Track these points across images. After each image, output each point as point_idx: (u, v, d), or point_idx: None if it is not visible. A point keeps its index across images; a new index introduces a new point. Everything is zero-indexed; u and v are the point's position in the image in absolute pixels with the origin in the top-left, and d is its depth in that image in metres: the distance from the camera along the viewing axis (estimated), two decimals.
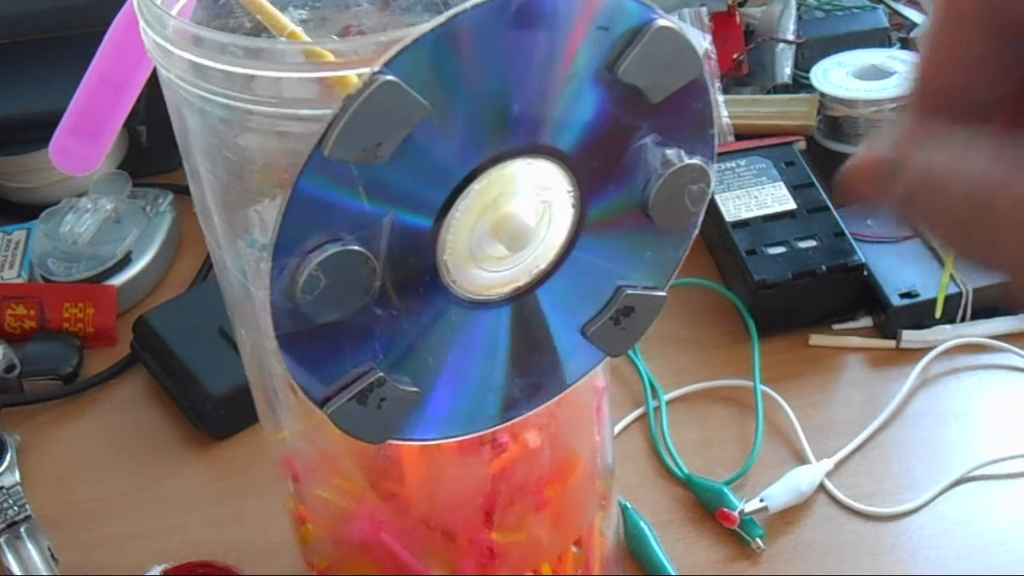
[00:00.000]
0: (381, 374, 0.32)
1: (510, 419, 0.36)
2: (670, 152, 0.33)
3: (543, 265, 0.34)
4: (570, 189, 0.33)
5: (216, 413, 0.66)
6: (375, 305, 0.31)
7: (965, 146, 0.24)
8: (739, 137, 0.79)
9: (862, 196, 0.26)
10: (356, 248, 0.29)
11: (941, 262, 0.69)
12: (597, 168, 0.33)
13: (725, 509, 0.59)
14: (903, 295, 0.68)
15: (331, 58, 0.31)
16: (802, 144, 0.78)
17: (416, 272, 0.31)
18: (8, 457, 0.65)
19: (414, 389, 0.32)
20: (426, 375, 0.33)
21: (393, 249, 0.30)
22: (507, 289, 0.33)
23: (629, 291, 0.35)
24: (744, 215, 0.71)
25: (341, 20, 0.43)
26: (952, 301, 0.68)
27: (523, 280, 0.34)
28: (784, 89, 0.86)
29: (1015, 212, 0.23)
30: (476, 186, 0.31)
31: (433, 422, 0.34)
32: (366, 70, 0.27)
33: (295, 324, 0.30)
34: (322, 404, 0.32)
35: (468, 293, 0.33)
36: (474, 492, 0.43)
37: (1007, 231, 0.23)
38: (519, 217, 0.32)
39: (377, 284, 0.30)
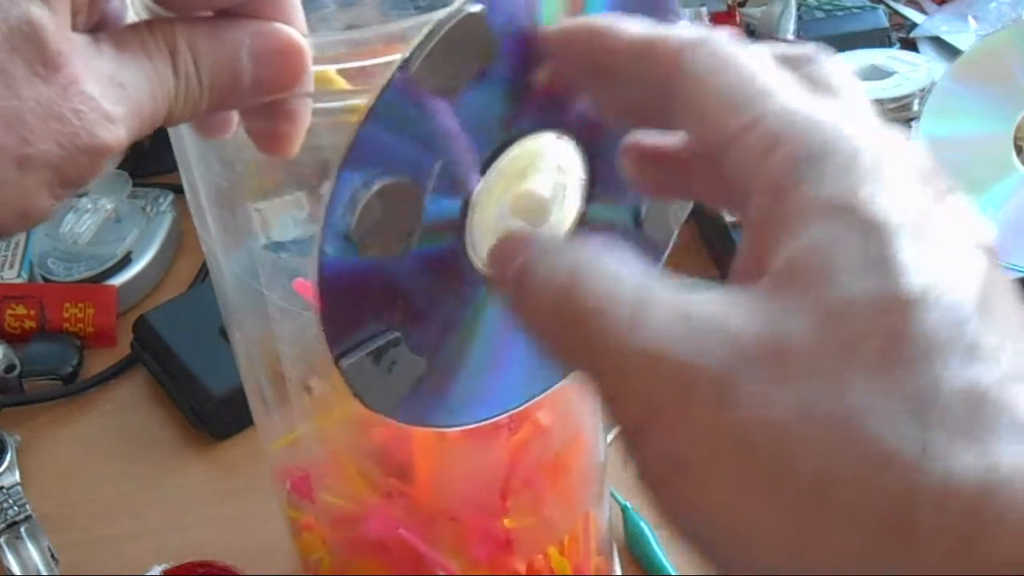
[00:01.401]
0: (398, 335, 0.32)
1: (528, 401, 0.36)
2: None
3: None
4: (583, 177, 0.33)
5: (216, 413, 0.66)
6: (406, 266, 0.31)
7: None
8: None
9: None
10: (412, 182, 0.29)
11: None
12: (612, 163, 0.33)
13: None
14: None
15: (343, 84, 0.31)
16: None
17: (446, 239, 0.31)
18: (8, 457, 0.65)
19: (422, 359, 0.33)
20: (441, 351, 0.33)
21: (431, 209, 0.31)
22: None
23: None
24: None
25: (343, 19, 0.43)
26: None
27: None
28: None
29: None
30: (513, 152, 0.31)
31: (451, 405, 0.35)
32: (379, 60, 0.27)
33: (339, 251, 0.29)
34: (339, 357, 0.32)
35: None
36: (490, 477, 0.43)
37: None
38: (540, 193, 0.32)
39: (418, 231, 0.30)
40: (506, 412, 0.36)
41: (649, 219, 0.35)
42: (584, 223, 0.34)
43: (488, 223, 0.32)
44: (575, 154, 0.33)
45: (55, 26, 0.25)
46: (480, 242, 0.32)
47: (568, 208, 0.34)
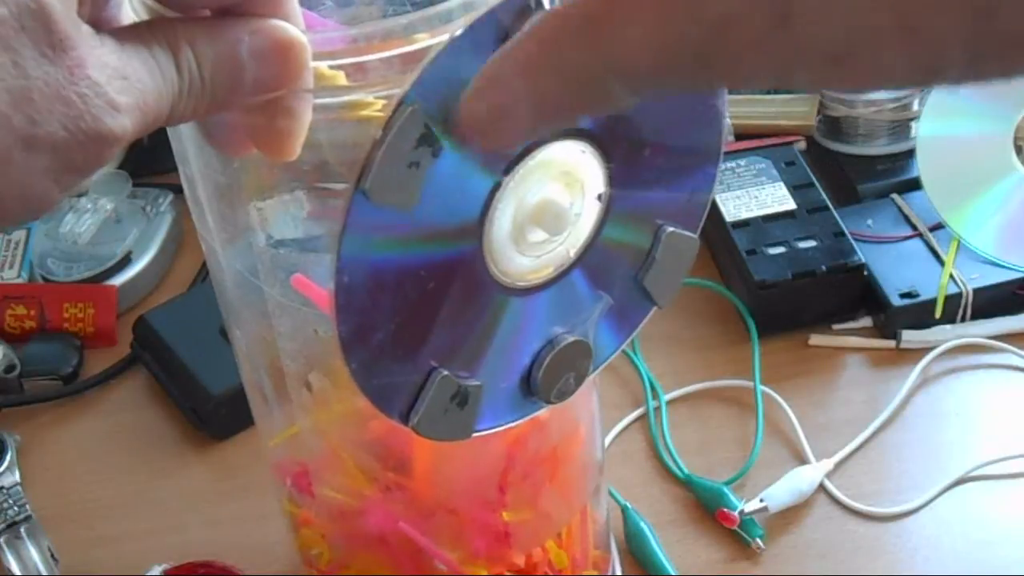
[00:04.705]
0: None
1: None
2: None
3: (579, 245, 0.34)
4: (604, 193, 0.33)
5: (216, 413, 0.66)
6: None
7: None
8: (739, 137, 0.79)
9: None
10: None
11: (941, 262, 0.69)
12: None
13: (725, 509, 0.59)
14: (903, 295, 0.68)
15: (343, 80, 0.31)
16: (802, 144, 0.78)
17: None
18: (8, 457, 0.65)
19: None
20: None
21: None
22: (550, 270, 0.34)
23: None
24: (744, 215, 0.71)
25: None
26: (952, 301, 0.68)
27: (563, 260, 0.34)
28: (784, 89, 0.86)
29: None
30: (534, 159, 0.31)
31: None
32: (377, 56, 0.27)
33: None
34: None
35: (512, 281, 0.33)
36: (488, 471, 0.43)
37: None
38: (560, 201, 0.33)
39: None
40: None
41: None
42: (601, 235, 0.34)
43: (506, 229, 0.32)
44: (598, 168, 0.33)
45: (63, 8, 0.25)
46: (498, 249, 0.32)
47: (586, 219, 0.34)
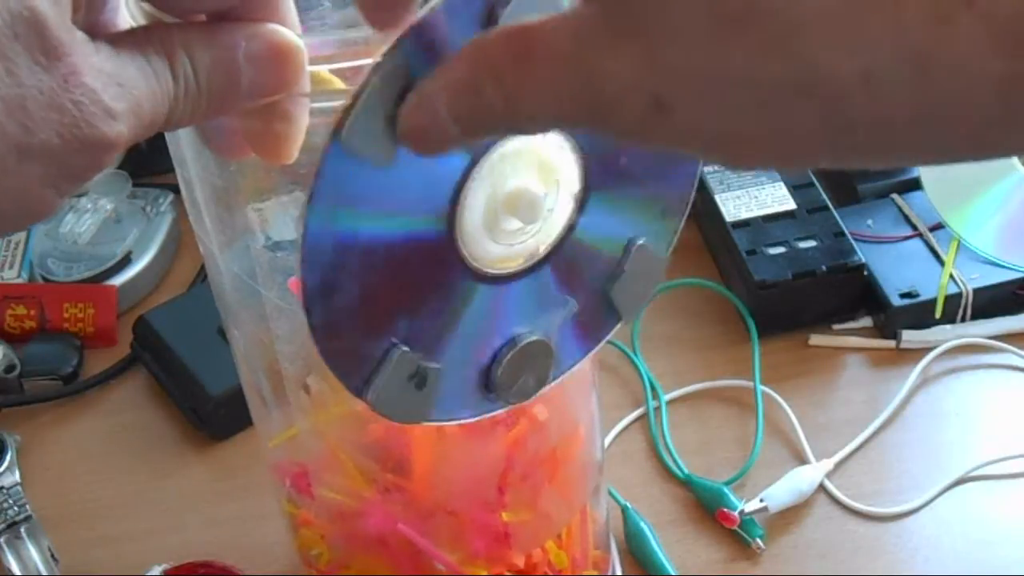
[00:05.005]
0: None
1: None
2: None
3: (550, 240, 0.34)
4: (579, 189, 0.33)
5: (216, 413, 0.66)
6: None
7: None
8: None
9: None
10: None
11: (941, 262, 0.69)
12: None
13: (725, 509, 0.59)
14: (903, 295, 0.68)
15: (339, 84, 0.31)
16: None
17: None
18: (8, 457, 0.65)
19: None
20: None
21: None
22: (520, 262, 0.34)
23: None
24: (744, 215, 0.71)
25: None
26: (952, 301, 0.68)
27: (533, 253, 0.34)
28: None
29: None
30: (507, 146, 0.31)
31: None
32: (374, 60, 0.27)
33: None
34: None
35: (482, 266, 0.33)
36: (488, 471, 0.44)
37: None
38: (534, 191, 0.33)
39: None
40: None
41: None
42: (573, 235, 0.34)
43: (478, 216, 0.32)
44: (574, 165, 0.33)
45: (56, 16, 0.25)
46: (470, 235, 0.32)
47: (560, 212, 0.34)
